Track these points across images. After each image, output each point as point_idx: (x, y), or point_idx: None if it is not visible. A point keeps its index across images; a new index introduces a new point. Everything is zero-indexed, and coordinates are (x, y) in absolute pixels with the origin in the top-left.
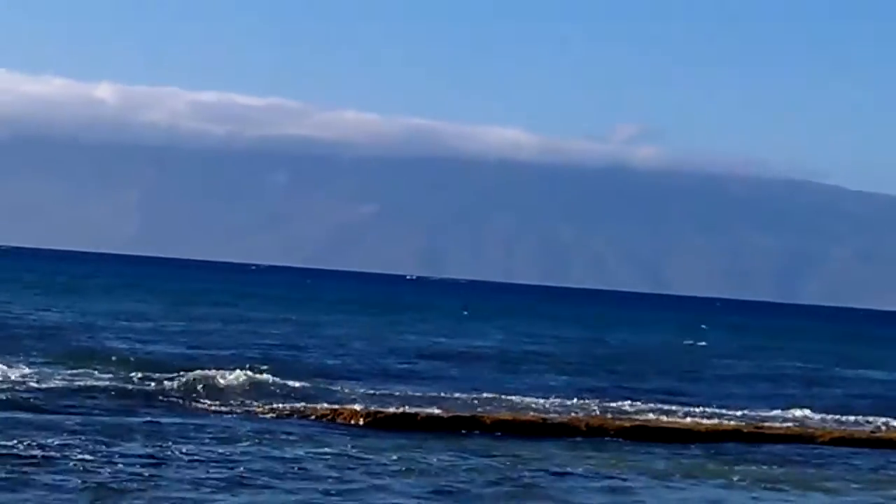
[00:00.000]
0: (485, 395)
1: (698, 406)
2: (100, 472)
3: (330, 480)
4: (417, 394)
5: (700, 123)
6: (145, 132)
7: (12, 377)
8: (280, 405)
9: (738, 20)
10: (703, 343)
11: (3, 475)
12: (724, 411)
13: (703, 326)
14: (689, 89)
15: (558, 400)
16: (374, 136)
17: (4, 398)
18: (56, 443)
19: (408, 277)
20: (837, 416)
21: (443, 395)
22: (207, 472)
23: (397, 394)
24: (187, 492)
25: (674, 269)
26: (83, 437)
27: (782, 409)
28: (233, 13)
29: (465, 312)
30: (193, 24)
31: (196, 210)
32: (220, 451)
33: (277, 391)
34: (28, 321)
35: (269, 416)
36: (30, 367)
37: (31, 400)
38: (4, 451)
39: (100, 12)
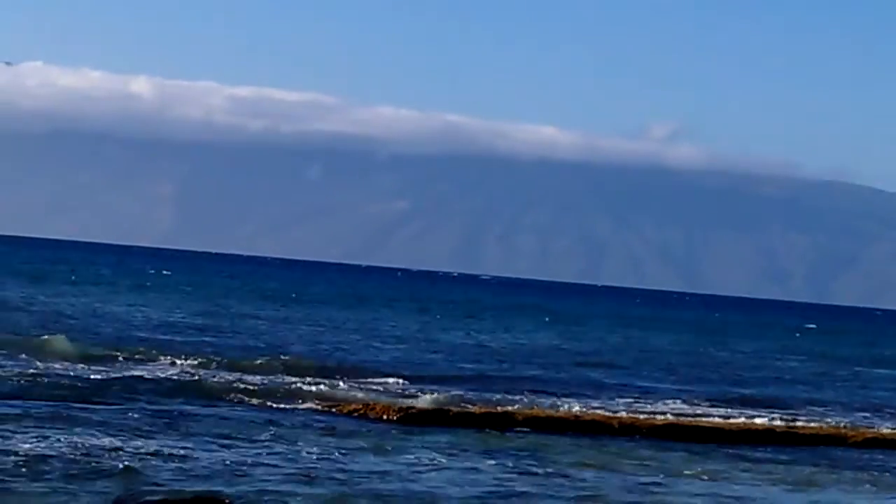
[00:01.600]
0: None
1: None
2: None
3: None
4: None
5: (736, 124)
6: (181, 126)
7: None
8: (312, 402)
9: (776, 21)
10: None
11: None
12: None
13: (812, 325)
14: (725, 89)
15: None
16: (409, 132)
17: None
18: None
19: (453, 275)
20: None
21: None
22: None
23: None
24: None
25: (709, 268)
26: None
27: None
28: (270, 9)
29: (546, 319)
30: (230, 19)
31: (230, 205)
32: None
33: (307, 387)
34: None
35: (303, 409)
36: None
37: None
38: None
39: (138, 6)
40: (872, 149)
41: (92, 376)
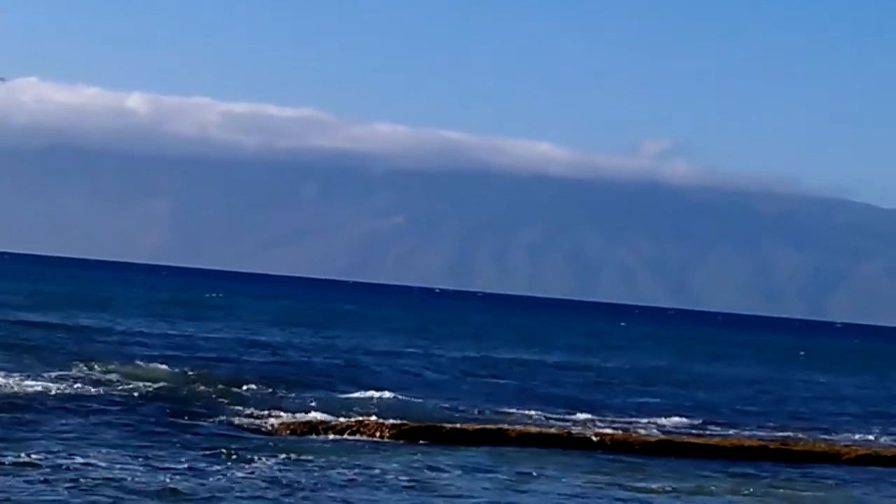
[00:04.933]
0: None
1: None
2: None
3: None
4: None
5: (730, 140)
6: (176, 142)
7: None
8: (304, 416)
9: (770, 37)
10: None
11: None
12: None
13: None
14: (721, 105)
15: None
16: (405, 148)
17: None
18: None
19: (436, 290)
20: None
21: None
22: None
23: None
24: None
25: (702, 285)
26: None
27: None
28: (265, 25)
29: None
30: (226, 35)
31: (226, 221)
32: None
33: (295, 400)
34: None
35: (292, 426)
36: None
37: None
38: None
39: (133, 22)
40: (868, 165)
41: None
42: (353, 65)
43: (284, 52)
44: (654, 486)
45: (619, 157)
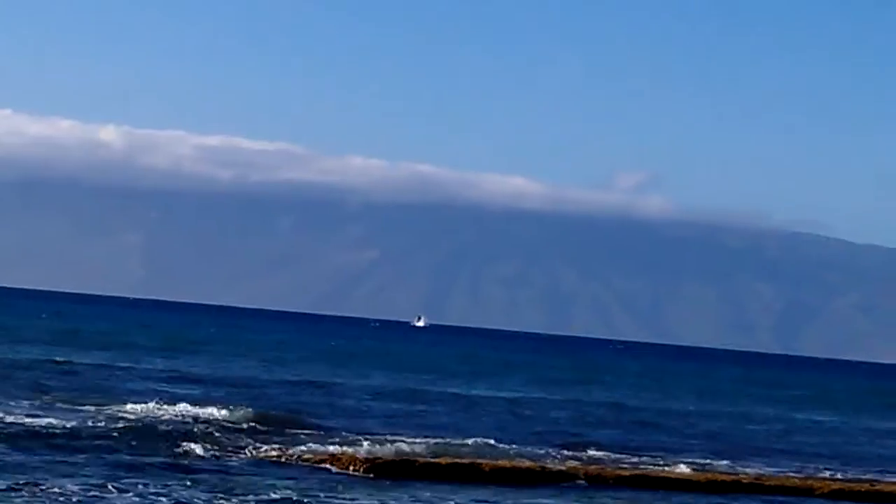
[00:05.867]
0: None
1: None
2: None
3: None
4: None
5: (703, 174)
6: (150, 175)
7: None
8: (279, 449)
9: (742, 71)
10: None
11: None
12: None
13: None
14: (693, 139)
15: None
16: (379, 181)
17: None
18: None
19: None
20: None
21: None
22: None
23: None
24: None
25: (675, 319)
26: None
27: None
28: (239, 58)
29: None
30: (200, 68)
31: (199, 254)
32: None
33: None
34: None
35: (272, 458)
36: None
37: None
38: None
39: (107, 55)
40: (840, 200)
41: None
42: (327, 98)
43: (258, 85)
44: None
45: (592, 192)
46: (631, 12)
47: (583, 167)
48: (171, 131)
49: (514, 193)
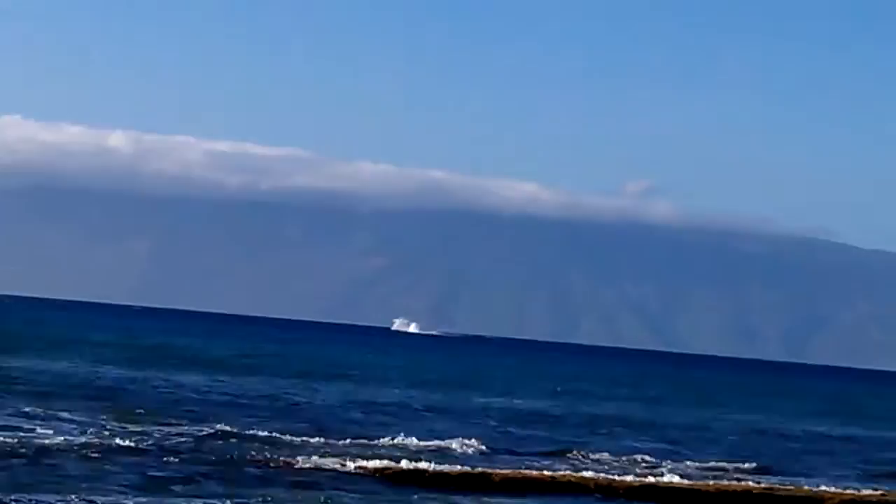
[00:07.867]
0: None
1: None
2: None
3: None
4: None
5: (713, 180)
6: (158, 181)
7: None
8: (292, 457)
9: (751, 79)
10: None
11: None
12: None
13: None
14: (702, 147)
15: None
16: (389, 187)
17: None
18: None
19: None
20: None
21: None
22: None
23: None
24: None
25: (683, 327)
26: None
27: None
28: (248, 63)
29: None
30: (208, 73)
31: (208, 261)
32: None
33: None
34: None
35: (280, 467)
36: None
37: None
38: None
39: (116, 60)
40: (851, 206)
41: None
42: (337, 103)
43: (268, 90)
44: None
45: (602, 197)
46: (642, 18)
47: (595, 173)
48: (181, 137)
49: (527, 199)
